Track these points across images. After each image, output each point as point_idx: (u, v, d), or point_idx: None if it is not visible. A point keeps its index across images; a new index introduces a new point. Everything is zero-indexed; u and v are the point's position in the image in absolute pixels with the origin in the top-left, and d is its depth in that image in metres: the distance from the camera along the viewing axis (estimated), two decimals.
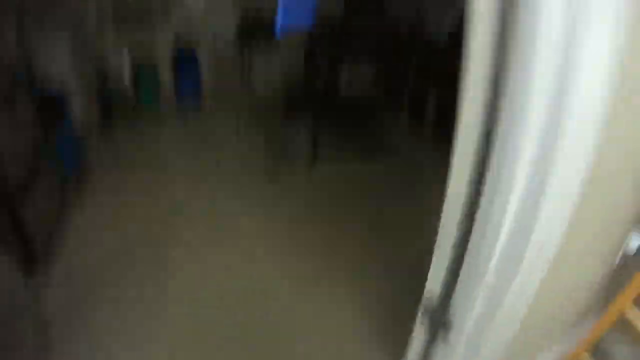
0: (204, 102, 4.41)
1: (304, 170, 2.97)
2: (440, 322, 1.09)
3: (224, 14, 4.33)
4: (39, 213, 2.09)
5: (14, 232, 1.81)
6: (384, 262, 2.14)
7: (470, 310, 1.01)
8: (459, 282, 1.01)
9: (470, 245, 0.95)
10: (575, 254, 1.01)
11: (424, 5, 3.43)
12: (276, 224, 2.42)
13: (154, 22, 4.33)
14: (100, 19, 4.04)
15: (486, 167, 0.83)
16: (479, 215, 0.89)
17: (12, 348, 1.56)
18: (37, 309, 1.86)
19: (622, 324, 1.19)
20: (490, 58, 0.73)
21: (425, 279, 1.13)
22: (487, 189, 0.85)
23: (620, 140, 0.88)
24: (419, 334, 1.24)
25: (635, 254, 1.10)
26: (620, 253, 1.19)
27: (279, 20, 4.14)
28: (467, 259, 0.97)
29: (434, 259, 1.08)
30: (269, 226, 2.41)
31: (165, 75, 4.36)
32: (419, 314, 1.18)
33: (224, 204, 2.62)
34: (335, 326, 1.84)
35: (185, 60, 4.36)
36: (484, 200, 0.87)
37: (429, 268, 1.10)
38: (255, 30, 4.18)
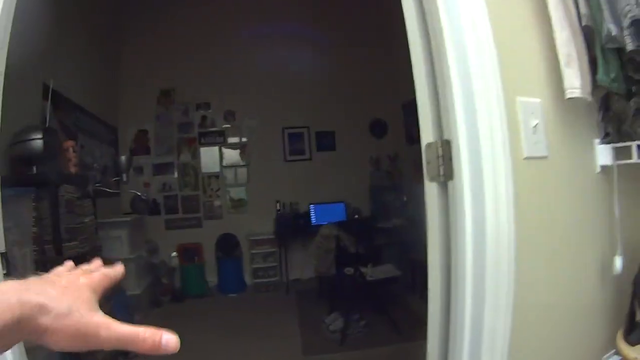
0: (245, 288, 4.96)
1: (337, 347, 3.04)
2: None
3: (263, 210, 5.09)
4: None
5: None
6: None
7: None
8: None
9: None
10: None
11: None
12: None
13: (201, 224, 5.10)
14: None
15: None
16: None
17: None
18: None
19: None
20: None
21: None
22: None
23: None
24: None
25: None
26: None
27: (313, 217, 4.81)
28: None
29: None
30: None
31: (210, 270, 5.00)
32: None
33: None
34: None
35: (228, 251, 4.89)
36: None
37: None
38: (291, 224, 4.81)
